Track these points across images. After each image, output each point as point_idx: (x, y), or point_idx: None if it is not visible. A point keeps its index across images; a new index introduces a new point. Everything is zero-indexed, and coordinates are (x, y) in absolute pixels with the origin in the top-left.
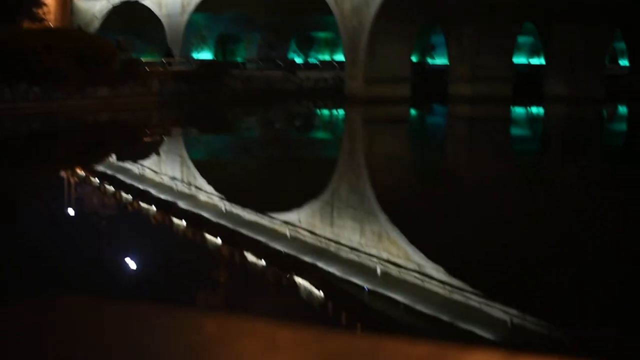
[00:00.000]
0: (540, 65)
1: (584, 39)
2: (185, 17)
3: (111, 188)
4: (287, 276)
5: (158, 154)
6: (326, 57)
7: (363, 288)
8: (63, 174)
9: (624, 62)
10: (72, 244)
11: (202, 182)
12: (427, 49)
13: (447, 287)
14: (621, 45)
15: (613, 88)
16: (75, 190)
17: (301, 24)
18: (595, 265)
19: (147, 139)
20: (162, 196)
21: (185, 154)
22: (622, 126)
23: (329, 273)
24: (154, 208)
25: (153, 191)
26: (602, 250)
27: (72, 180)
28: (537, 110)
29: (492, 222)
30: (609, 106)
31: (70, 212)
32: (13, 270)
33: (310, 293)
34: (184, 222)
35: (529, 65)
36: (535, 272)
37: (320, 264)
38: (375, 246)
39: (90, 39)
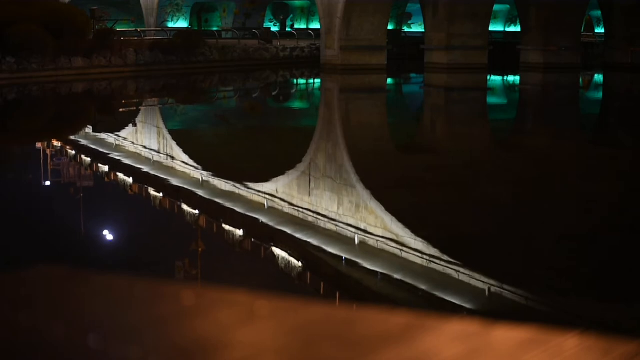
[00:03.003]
0: (517, 33)
1: (559, 6)
2: None
3: (87, 159)
4: (265, 247)
5: (134, 124)
6: (302, 25)
7: (341, 258)
8: (37, 144)
9: (599, 30)
10: (46, 216)
11: (178, 152)
12: (404, 18)
13: (425, 256)
14: (597, 12)
15: (589, 56)
16: (50, 161)
17: None
18: (576, 233)
19: (123, 110)
20: (139, 167)
21: (161, 124)
22: (598, 94)
23: (306, 243)
24: (130, 179)
25: (129, 162)
26: (583, 218)
27: (46, 151)
28: (513, 78)
29: (471, 191)
30: (585, 74)
31: (45, 183)
32: None
33: (288, 263)
34: (160, 193)
35: (505, 33)
36: (514, 242)
37: (298, 235)
38: (353, 216)
39: (63, 9)
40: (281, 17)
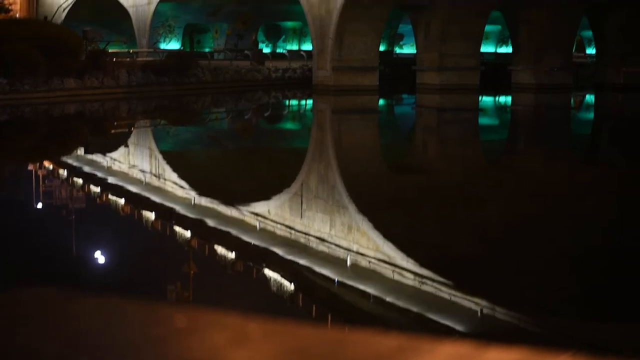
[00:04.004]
0: (508, 54)
1: (551, 26)
2: (152, 7)
3: (78, 180)
4: (257, 268)
5: (126, 145)
6: (294, 46)
7: (333, 280)
8: (30, 166)
9: (591, 51)
10: (39, 237)
11: (170, 173)
12: (396, 39)
13: (417, 278)
14: (588, 33)
15: (581, 76)
16: (43, 183)
17: (269, 13)
18: (568, 254)
19: (115, 131)
20: (130, 188)
21: (153, 145)
22: (590, 115)
23: (298, 265)
24: (121, 200)
25: (121, 183)
26: (575, 239)
27: (39, 172)
28: (505, 99)
29: (463, 212)
30: (576, 95)
31: (37, 204)
32: None
33: (280, 285)
34: (152, 214)
35: (497, 54)
36: (506, 263)
37: (290, 256)
38: (345, 237)
39: (56, 30)
40: (252, 38)
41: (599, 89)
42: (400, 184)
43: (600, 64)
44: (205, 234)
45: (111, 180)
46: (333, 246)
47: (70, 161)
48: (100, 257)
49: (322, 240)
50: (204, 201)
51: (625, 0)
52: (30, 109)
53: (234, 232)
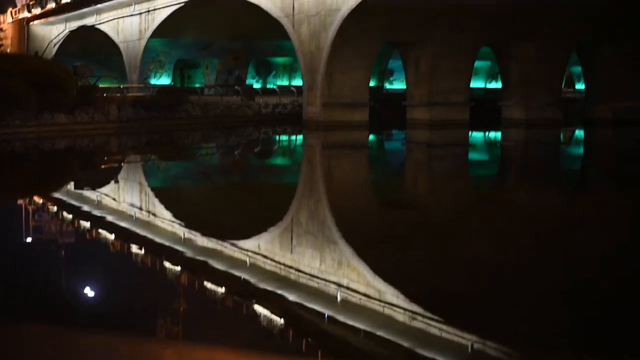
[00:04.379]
0: (498, 89)
1: (540, 62)
2: (143, 43)
3: (68, 216)
4: (247, 304)
5: (117, 181)
6: (284, 82)
7: (323, 315)
8: (19, 200)
9: (580, 86)
10: (28, 273)
11: (160, 208)
12: (386, 74)
13: (407, 313)
14: (577, 69)
15: (570, 111)
16: (32, 218)
17: (259, 49)
18: (559, 289)
19: (105, 166)
20: (120, 223)
21: (144, 180)
22: (580, 150)
23: (288, 300)
24: (111, 236)
25: (111, 218)
26: (566, 274)
27: (28, 207)
28: (495, 134)
29: (454, 247)
30: (566, 130)
31: (27, 240)
32: None
33: (270, 321)
34: (141, 250)
35: (487, 89)
36: (497, 298)
37: (280, 292)
38: (335, 273)
39: (47, 65)
40: (237, 73)
41: (589, 124)
42: (390, 219)
43: (589, 99)
44: (195, 270)
45: (101, 215)
46: (323, 282)
47: (60, 196)
48: (89, 293)
49: (313, 275)
50: (194, 236)
51: (613, 38)
52: (21, 143)
53: (223, 267)
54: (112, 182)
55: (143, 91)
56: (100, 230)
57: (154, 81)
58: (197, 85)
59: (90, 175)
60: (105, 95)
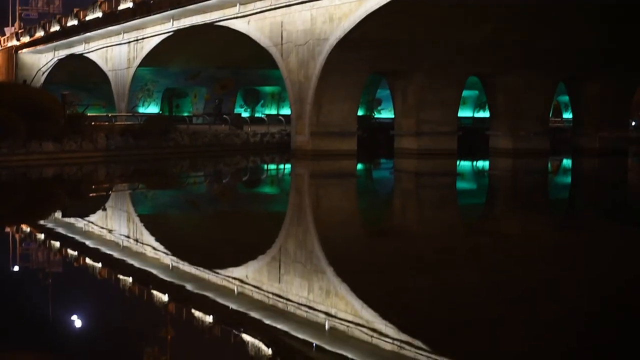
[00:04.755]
0: (485, 119)
1: (527, 92)
2: (132, 71)
3: (55, 244)
4: (234, 333)
5: (104, 209)
6: (273, 111)
7: (311, 344)
8: (6, 229)
9: (567, 115)
10: (14, 302)
11: (148, 237)
12: (374, 104)
13: (396, 342)
14: (565, 98)
15: (558, 141)
16: (19, 247)
17: (248, 78)
18: (545, 319)
19: (93, 194)
20: (108, 252)
21: (131, 209)
22: (567, 179)
23: (276, 329)
24: (98, 264)
25: (98, 247)
26: (553, 304)
27: (16, 235)
28: (482, 164)
29: (441, 276)
30: (554, 159)
31: (14, 267)
32: None
33: (257, 350)
34: (129, 279)
35: (474, 119)
36: (485, 327)
37: (267, 321)
38: (324, 302)
39: (35, 93)
40: (216, 101)
41: (576, 154)
42: (378, 248)
43: (576, 129)
44: (182, 298)
45: (88, 243)
46: (311, 310)
47: (47, 224)
48: (76, 322)
49: (301, 304)
50: (182, 265)
51: (599, 72)
52: (8, 172)
53: (211, 296)
54: (100, 210)
55: (131, 120)
56: (87, 259)
57: (142, 110)
58: (186, 114)
59: (78, 204)
60: (93, 123)
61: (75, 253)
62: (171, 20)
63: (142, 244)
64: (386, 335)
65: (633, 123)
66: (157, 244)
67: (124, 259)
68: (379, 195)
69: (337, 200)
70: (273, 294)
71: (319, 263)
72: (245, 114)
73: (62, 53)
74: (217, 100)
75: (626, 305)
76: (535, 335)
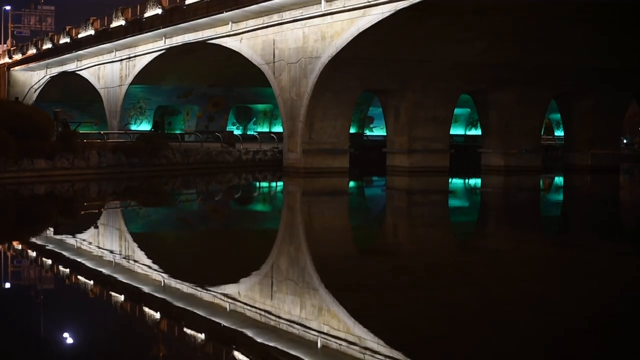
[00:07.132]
0: (477, 136)
1: (519, 110)
2: (124, 89)
3: (47, 261)
4: (226, 350)
5: (96, 226)
6: (265, 129)
7: None
8: None
9: (559, 133)
10: (4, 320)
11: (140, 255)
12: (366, 121)
13: (388, 359)
14: (556, 116)
15: (549, 158)
16: (11, 264)
17: (240, 95)
18: (537, 336)
19: (85, 212)
20: (100, 269)
21: (123, 226)
22: (559, 196)
23: (268, 347)
24: (90, 282)
25: (90, 264)
26: (544, 321)
27: (7, 253)
28: (475, 181)
29: (433, 294)
30: (545, 176)
31: (5, 285)
32: None
33: None
34: (121, 296)
35: (466, 136)
36: (477, 344)
37: (259, 338)
38: (316, 319)
39: (27, 110)
40: (199, 115)
41: (568, 171)
42: (371, 266)
43: (568, 146)
44: (175, 316)
45: (80, 261)
46: (303, 328)
47: (39, 242)
48: (67, 340)
49: (293, 322)
50: (174, 283)
51: (592, 89)
52: (0, 189)
53: (203, 313)
54: (92, 228)
55: (123, 137)
56: (79, 277)
57: (134, 127)
58: (178, 132)
59: (69, 221)
60: (85, 141)
61: (67, 271)
62: (163, 38)
63: (134, 261)
64: (378, 353)
65: (624, 140)
66: (149, 262)
67: (116, 276)
68: (371, 213)
69: (329, 218)
70: (265, 311)
71: (311, 280)
72: (237, 132)
73: (55, 70)
74: (199, 114)
75: (613, 322)
76: (529, 351)
